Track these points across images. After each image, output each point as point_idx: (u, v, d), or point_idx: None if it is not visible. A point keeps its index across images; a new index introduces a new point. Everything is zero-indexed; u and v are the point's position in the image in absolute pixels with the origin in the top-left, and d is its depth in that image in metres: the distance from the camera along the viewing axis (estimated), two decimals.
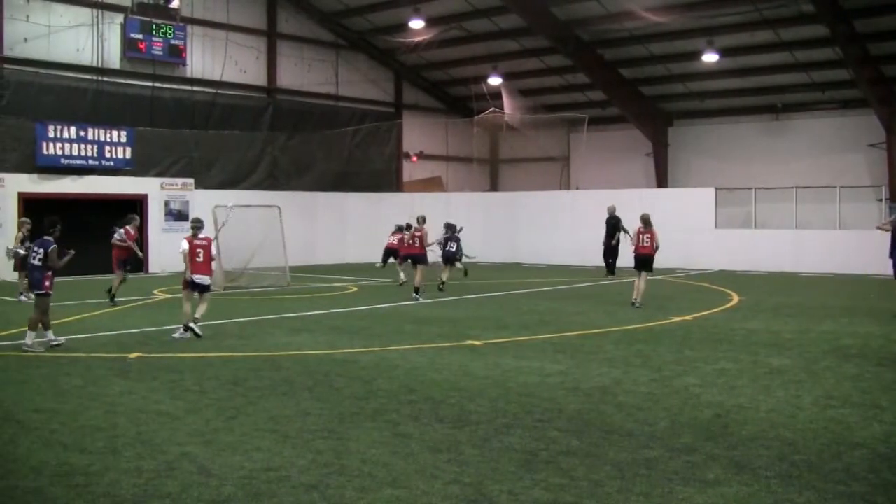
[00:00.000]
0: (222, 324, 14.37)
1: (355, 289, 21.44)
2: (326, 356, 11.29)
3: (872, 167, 29.62)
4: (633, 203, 24.64)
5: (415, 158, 36.43)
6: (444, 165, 38.00)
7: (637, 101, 33.72)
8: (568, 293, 20.61)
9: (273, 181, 31.14)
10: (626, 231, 23.48)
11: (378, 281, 23.33)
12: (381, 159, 35.08)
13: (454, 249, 20.97)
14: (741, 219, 29.07)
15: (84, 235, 22.48)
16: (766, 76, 30.58)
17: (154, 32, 27.32)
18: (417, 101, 37.15)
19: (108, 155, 25.72)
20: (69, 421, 7.78)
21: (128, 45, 26.95)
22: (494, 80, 33.31)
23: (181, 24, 28.07)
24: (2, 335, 13.06)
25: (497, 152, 39.90)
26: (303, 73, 32.57)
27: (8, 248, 19.08)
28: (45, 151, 24.44)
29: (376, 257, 24.95)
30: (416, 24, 29.83)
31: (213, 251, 13.52)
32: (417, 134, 36.51)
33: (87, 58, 26.41)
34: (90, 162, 25.33)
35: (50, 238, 11.98)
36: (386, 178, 35.17)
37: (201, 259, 12.93)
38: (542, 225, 30.85)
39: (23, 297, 17.60)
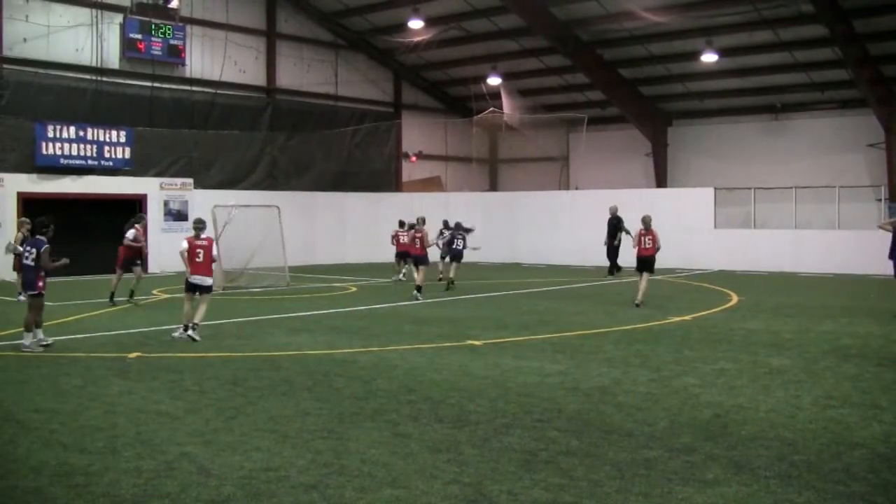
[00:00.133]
0: (222, 324, 14.37)
1: (354, 289, 21.45)
2: (326, 356, 11.29)
3: (872, 167, 29.63)
4: (633, 203, 24.66)
5: (414, 158, 36.42)
6: (444, 165, 38.00)
7: (636, 101, 33.72)
8: (567, 293, 20.61)
9: (272, 181, 31.14)
10: (627, 232, 23.45)
11: (378, 281, 23.33)
12: (380, 159, 35.08)
13: (461, 247, 21.06)
14: (740, 219, 29.08)
15: (83, 235, 22.65)
16: (765, 76, 30.59)
17: (153, 32, 27.33)
18: (417, 101, 37.15)
19: (107, 155, 25.72)
20: (69, 421, 7.78)
21: (127, 45, 26.96)
22: (494, 80, 33.33)
23: (180, 24, 28.08)
24: (1, 335, 13.05)
25: (496, 152, 39.90)
26: (302, 73, 32.57)
27: (9, 243, 19.07)
28: (44, 151, 24.44)
29: (376, 257, 24.93)
30: (416, 24, 29.84)
31: (215, 252, 13.44)
32: (417, 134, 36.51)
33: (86, 58, 26.42)
34: (89, 162, 25.33)
35: (43, 238, 11.96)
36: (385, 178, 35.16)
37: (201, 259, 12.87)
38: (542, 225, 30.85)
39: (21, 297, 17.53)
